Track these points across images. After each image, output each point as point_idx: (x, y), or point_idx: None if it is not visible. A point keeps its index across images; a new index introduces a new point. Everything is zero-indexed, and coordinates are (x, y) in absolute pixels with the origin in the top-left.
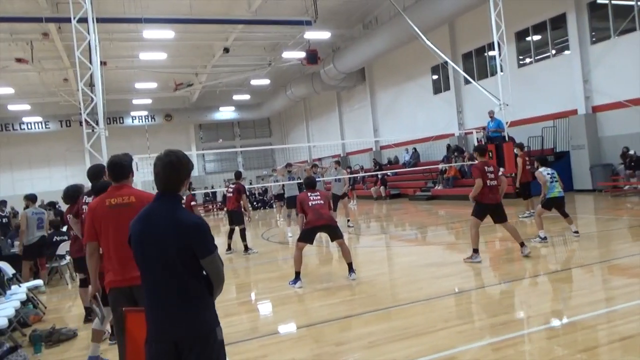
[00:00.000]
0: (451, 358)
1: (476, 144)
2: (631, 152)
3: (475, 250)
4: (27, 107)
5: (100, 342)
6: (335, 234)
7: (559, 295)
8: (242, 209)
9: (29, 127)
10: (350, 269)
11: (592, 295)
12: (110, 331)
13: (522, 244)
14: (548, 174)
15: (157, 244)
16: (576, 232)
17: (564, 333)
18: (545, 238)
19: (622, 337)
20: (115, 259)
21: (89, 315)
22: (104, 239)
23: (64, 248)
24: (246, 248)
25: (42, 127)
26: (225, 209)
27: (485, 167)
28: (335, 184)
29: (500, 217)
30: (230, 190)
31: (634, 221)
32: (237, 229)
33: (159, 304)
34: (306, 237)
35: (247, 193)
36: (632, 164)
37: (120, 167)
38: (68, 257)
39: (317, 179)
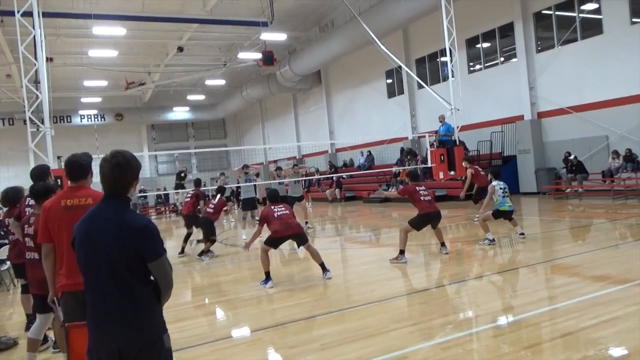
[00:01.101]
0: (402, 358)
1: (429, 147)
2: (572, 157)
3: (402, 252)
4: None
5: (36, 352)
6: (302, 240)
7: (505, 295)
8: (197, 214)
9: None
10: (324, 269)
11: (535, 294)
12: (53, 339)
13: (442, 244)
14: (500, 188)
15: (102, 247)
16: (522, 234)
17: (509, 331)
18: (493, 240)
19: (563, 333)
20: (69, 261)
21: (30, 323)
22: (57, 241)
23: (3, 253)
24: (207, 252)
25: None
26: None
27: (417, 187)
28: (293, 186)
29: (437, 223)
30: (189, 195)
31: (574, 222)
32: (192, 230)
33: (103, 309)
34: (272, 243)
35: (206, 199)
36: (573, 168)
37: (79, 167)
38: (8, 262)
39: (280, 182)
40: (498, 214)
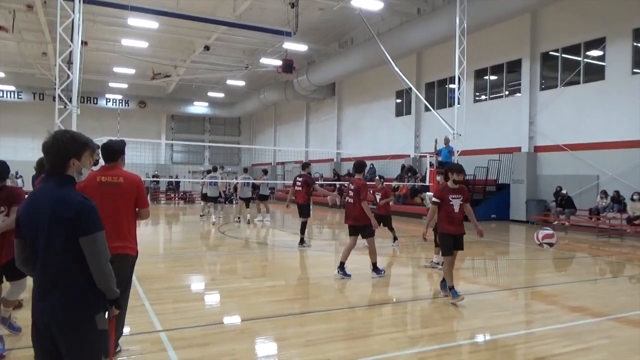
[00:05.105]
0: None
1: (429, 167)
2: (563, 191)
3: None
4: (1, 74)
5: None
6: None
7: (485, 314)
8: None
9: (1, 95)
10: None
11: (514, 317)
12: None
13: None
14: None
15: (39, 222)
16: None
17: (485, 349)
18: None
19: (537, 357)
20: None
21: None
22: None
23: None
24: (302, 241)
25: (14, 97)
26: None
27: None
28: (245, 188)
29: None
30: (299, 183)
31: (558, 253)
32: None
33: (39, 282)
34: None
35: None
36: (563, 202)
37: (112, 151)
38: None
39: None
40: None
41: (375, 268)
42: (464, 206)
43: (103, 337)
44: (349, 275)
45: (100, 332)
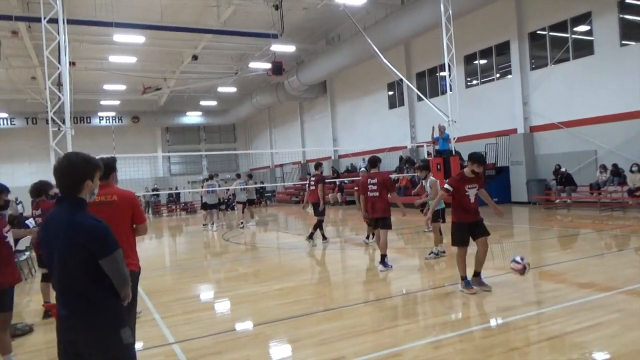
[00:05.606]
0: (396, 355)
1: (426, 156)
2: (562, 169)
3: (464, 278)
4: None
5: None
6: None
7: (495, 298)
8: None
9: None
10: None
11: (524, 298)
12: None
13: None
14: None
15: (55, 246)
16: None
17: (498, 332)
18: (444, 251)
19: (549, 337)
20: None
21: (48, 311)
22: None
23: (23, 243)
24: (311, 235)
25: (7, 124)
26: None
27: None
28: (240, 193)
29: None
30: (312, 182)
31: (562, 232)
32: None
33: (62, 304)
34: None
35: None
36: (563, 180)
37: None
38: (27, 253)
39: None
40: (442, 214)
41: (383, 261)
42: (479, 193)
43: (129, 350)
44: (390, 266)
45: (126, 345)
